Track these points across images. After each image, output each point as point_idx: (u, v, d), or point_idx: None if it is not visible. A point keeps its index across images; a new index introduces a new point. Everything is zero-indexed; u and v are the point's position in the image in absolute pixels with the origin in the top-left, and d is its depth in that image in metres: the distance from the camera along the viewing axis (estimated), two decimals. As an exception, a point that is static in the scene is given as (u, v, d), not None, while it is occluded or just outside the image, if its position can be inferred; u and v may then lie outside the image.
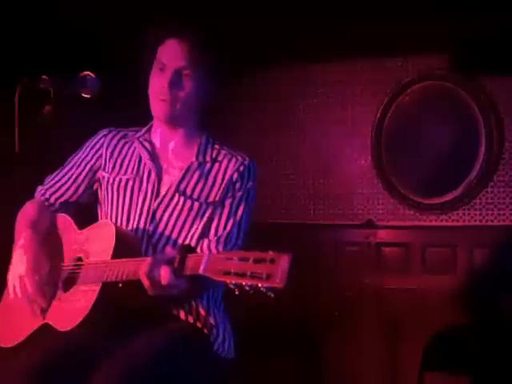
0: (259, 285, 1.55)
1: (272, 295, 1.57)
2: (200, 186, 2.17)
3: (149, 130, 2.29)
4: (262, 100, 4.40)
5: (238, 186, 2.18)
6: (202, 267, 1.70)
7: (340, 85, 4.23)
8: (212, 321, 2.13)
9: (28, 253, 2.05)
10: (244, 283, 1.58)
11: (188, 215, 2.14)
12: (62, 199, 2.29)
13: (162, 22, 2.18)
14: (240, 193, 2.18)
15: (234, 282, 1.60)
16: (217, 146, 2.25)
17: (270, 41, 4.02)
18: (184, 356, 1.97)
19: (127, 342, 1.95)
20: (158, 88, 2.13)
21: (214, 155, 2.22)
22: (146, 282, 1.84)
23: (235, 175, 2.18)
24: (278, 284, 1.54)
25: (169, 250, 1.86)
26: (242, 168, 2.19)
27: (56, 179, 2.32)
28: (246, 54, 4.04)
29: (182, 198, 2.14)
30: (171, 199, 2.15)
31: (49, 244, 2.13)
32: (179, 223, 2.14)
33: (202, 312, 2.13)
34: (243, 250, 1.75)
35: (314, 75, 4.29)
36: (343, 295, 4.00)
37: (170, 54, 2.14)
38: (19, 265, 2.04)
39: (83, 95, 1.98)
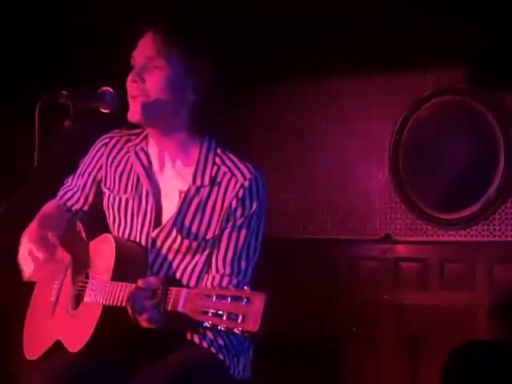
0: (234, 329, 1.59)
1: (246, 335, 1.60)
2: (197, 220, 2.04)
3: (146, 137, 2.17)
4: (280, 113, 4.40)
5: (238, 213, 2.03)
6: (181, 303, 1.71)
7: (358, 98, 4.22)
8: (227, 345, 2.09)
9: (31, 234, 2.00)
10: (220, 325, 1.60)
11: (187, 252, 2.06)
12: (77, 206, 2.26)
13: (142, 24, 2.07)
14: (241, 220, 2.04)
15: (211, 322, 1.62)
16: (218, 160, 2.09)
17: (288, 54, 4.04)
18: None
19: (140, 367, 1.93)
20: (127, 85, 2.02)
21: (213, 173, 2.06)
22: (130, 312, 1.83)
23: (234, 202, 2.03)
24: (252, 329, 1.57)
25: (152, 279, 1.83)
26: (241, 192, 2.03)
27: (70, 187, 2.29)
28: (262, 67, 4.06)
29: (179, 237, 2.04)
30: (169, 234, 2.06)
31: (66, 243, 2.08)
32: (179, 256, 2.07)
33: (217, 336, 2.08)
34: (221, 287, 1.84)
35: (332, 89, 4.29)
36: (361, 311, 3.97)
37: (140, 47, 2.04)
38: (26, 244, 2.01)
39: (102, 110, 1.98)
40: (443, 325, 3.78)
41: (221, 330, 1.60)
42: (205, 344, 2.07)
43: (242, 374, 2.12)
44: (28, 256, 1.97)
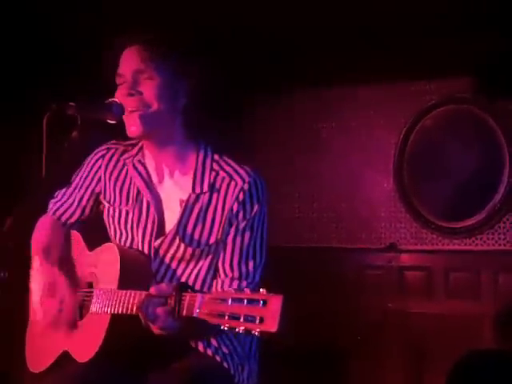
0: (253, 330, 1.57)
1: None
2: (199, 227, 2.04)
3: (142, 148, 2.16)
4: (285, 123, 4.42)
5: (240, 216, 2.03)
6: (196, 309, 1.70)
7: (362, 108, 4.24)
8: (232, 353, 2.09)
9: (44, 276, 2.04)
10: (238, 328, 1.59)
11: (191, 259, 2.06)
12: (72, 220, 2.26)
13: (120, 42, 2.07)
14: (243, 223, 2.04)
15: (228, 325, 1.61)
16: (216, 165, 2.09)
17: (292, 64, 4.06)
18: None
19: (146, 375, 1.95)
20: (123, 100, 1.99)
21: (211, 179, 2.06)
22: (143, 321, 1.83)
23: (235, 206, 2.03)
24: (271, 328, 1.55)
25: (163, 286, 1.82)
26: (241, 196, 2.03)
27: (63, 200, 2.28)
28: (266, 77, 4.08)
29: (182, 244, 2.04)
30: (172, 242, 2.06)
31: (64, 264, 2.11)
32: (182, 264, 2.07)
33: (221, 344, 2.08)
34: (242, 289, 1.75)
35: (336, 98, 4.30)
36: (366, 319, 3.97)
37: (125, 63, 2.03)
38: (37, 290, 2.04)
39: (109, 121, 1.99)
40: (448, 333, 3.78)
41: (239, 332, 1.59)
42: (209, 352, 2.07)
43: (246, 383, 2.12)
44: (39, 306, 2.04)
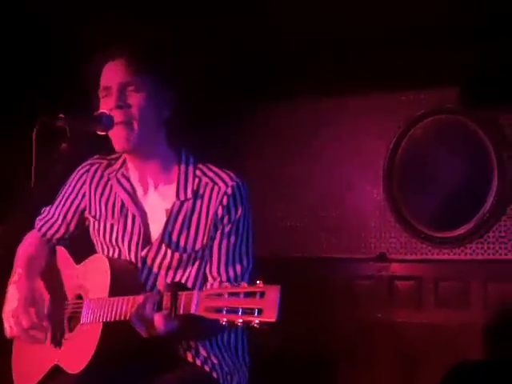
0: (252, 321, 1.56)
1: (266, 328, 1.57)
2: (185, 233, 2.06)
3: (125, 163, 2.17)
4: (277, 132, 4.42)
5: (225, 220, 2.05)
6: (193, 306, 1.68)
7: (352, 117, 4.25)
8: (221, 363, 2.09)
9: (21, 290, 2.04)
10: (236, 321, 1.58)
11: (178, 266, 2.07)
12: (57, 236, 2.27)
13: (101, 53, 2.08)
14: (228, 227, 2.05)
15: (226, 319, 1.60)
16: (199, 172, 2.10)
17: (286, 72, 4.08)
18: None
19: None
20: (112, 112, 2.00)
21: (195, 186, 2.07)
22: (136, 327, 1.82)
23: (220, 211, 2.05)
24: (270, 318, 1.54)
25: (160, 288, 1.82)
26: (225, 200, 2.05)
27: (48, 216, 2.28)
28: (261, 85, 4.10)
29: (169, 251, 2.05)
30: (158, 250, 2.07)
31: (48, 279, 2.11)
32: (171, 272, 2.07)
33: (210, 354, 2.09)
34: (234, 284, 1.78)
35: (327, 107, 4.31)
36: (355, 329, 3.97)
37: (109, 76, 2.04)
38: (12, 301, 2.03)
39: (99, 133, 1.99)
40: (438, 343, 3.79)
41: (238, 325, 1.58)
42: (198, 362, 2.07)
43: None
44: (11, 318, 2.02)
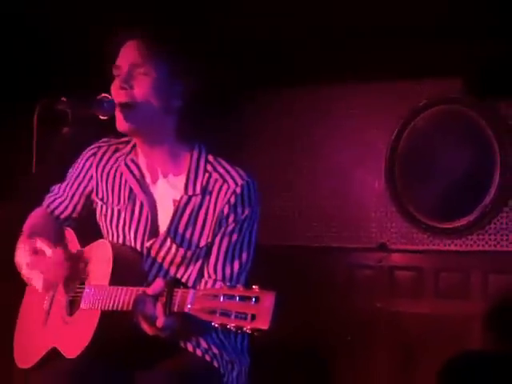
0: (244, 327, 1.55)
1: (256, 334, 1.55)
2: (191, 228, 2.03)
3: (135, 147, 2.14)
4: (277, 122, 4.41)
5: (230, 219, 2.02)
6: (188, 304, 1.67)
7: (355, 108, 4.23)
8: (222, 353, 2.08)
9: (31, 245, 1.99)
10: (229, 325, 1.57)
11: (181, 263, 2.05)
12: (65, 214, 2.24)
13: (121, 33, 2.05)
14: (232, 225, 2.03)
15: (219, 322, 1.58)
16: (209, 167, 2.07)
17: (285, 62, 4.05)
18: None
19: (133, 375, 1.94)
20: (114, 92, 1.99)
21: (204, 181, 2.05)
22: (136, 320, 1.81)
23: (226, 209, 2.01)
24: (263, 326, 1.53)
25: (158, 282, 1.79)
26: (233, 199, 2.01)
27: (57, 195, 2.26)
28: (260, 75, 4.08)
29: (174, 245, 2.04)
30: (163, 243, 2.05)
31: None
32: (173, 268, 2.06)
33: (211, 345, 2.07)
34: (230, 285, 1.77)
35: (327, 98, 4.30)
36: (355, 319, 3.97)
37: (124, 55, 2.01)
38: (24, 261, 2.00)
39: (100, 117, 1.98)
40: (437, 334, 3.79)
41: (230, 329, 1.56)
42: (199, 352, 2.06)
43: (236, 382, 2.11)
44: (27, 269, 1.98)
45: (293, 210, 4.34)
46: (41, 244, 1.98)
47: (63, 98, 1.86)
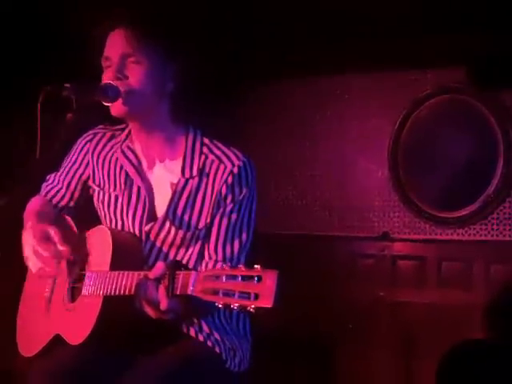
0: (248, 306, 1.55)
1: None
2: (189, 211, 2.04)
3: (130, 134, 2.16)
4: (280, 110, 4.40)
5: (228, 199, 2.04)
6: (190, 286, 1.67)
7: (357, 96, 4.23)
8: (224, 339, 2.09)
9: (35, 231, 1.98)
10: (232, 304, 1.57)
11: (181, 244, 2.06)
12: (62, 203, 2.25)
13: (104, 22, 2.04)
14: (230, 206, 2.04)
15: (222, 302, 1.59)
16: (205, 149, 2.08)
17: (289, 51, 4.05)
18: (196, 378, 1.95)
19: (135, 360, 1.95)
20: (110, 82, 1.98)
21: (201, 163, 2.06)
22: (139, 304, 1.81)
23: (224, 189, 2.03)
24: (267, 304, 1.53)
25: (159, 265, 1.79)
26: (230, 179, 2.03)
27: (53, 183, 2.27)
28: (261, 64, 4.07)
29: (173, 228, 2.05)
30: (162, 226, 2.06)
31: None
32: (173, 250, 2.07)
33: (213, 330, 2.08)
34: (233, 266, 1.76)
35: (331, 87, 4.29)
36: (357, 308, 3.98)
37: (112, 45, 2.01)
38: (29, 244, 1.98)
39: (104, 103, 1.98)
40: (439, 323, 3.80)
41: (234, 309, 1.57)
42: (201, 338, 2.07)
43: (238, 368, 2.12)
44: (33, 254, 1.97)
45: (295, 199, 4.34)
46: (54, 234, 1.97)
47: (67, 85, 1.86)
